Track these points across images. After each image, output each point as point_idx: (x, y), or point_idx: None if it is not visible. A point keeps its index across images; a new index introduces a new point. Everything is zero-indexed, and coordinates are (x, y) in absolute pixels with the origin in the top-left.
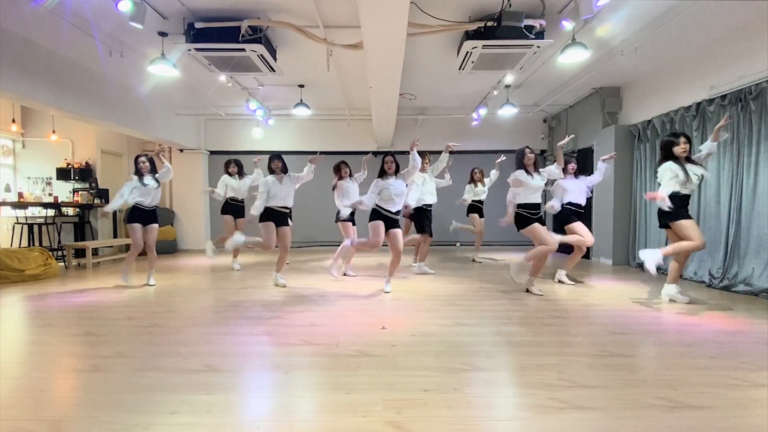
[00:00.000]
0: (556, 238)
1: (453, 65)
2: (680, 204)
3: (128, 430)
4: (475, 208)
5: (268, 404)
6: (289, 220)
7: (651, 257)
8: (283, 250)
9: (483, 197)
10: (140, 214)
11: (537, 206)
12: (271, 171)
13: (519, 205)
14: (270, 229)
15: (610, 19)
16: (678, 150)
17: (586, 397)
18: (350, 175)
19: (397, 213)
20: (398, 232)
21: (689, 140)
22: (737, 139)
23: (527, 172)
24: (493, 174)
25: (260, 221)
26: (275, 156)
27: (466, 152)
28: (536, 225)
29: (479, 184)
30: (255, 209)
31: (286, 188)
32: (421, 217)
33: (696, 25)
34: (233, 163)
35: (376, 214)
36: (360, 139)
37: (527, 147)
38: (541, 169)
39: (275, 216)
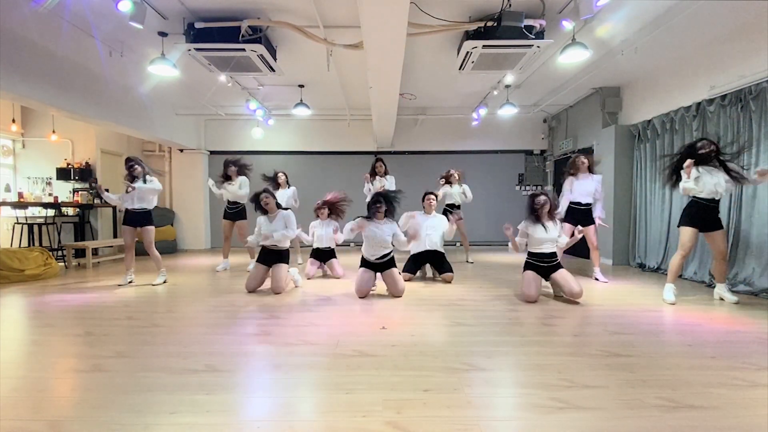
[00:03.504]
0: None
1: (453, 65)
2: (687, 209)
3: (128, 430)
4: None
5: (268, 404)
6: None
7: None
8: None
9: (457, 201)
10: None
11: (547, 256)
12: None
13: (528, 252)
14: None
15: (610, 19)
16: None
17: (586, 397)
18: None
19: (383, 257)
20: (392, 272)
21: (714, 143)
22: (737, 139)
23: (537, 220)
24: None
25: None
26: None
27: (465, 152)
28: (527, 273)
29: (455, 185)
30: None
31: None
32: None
33: (696, 25)
34: (231, 165)
35: (362, 261)
36: (360, 139)
37: (541, 193)
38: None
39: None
